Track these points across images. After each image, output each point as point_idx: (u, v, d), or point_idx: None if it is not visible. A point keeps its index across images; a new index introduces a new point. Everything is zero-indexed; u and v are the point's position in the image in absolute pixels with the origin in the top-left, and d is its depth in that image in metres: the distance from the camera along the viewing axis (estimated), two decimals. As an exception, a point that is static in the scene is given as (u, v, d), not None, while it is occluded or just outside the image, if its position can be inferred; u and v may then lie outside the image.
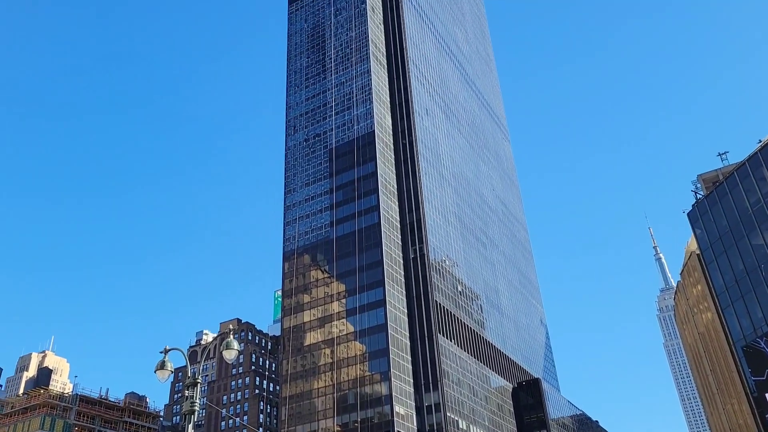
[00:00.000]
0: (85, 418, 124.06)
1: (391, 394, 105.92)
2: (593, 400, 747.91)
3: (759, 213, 65.92)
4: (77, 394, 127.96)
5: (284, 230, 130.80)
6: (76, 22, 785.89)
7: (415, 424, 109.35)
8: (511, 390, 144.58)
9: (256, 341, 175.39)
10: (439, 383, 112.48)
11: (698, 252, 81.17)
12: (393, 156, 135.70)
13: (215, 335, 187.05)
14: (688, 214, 78.41)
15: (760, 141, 70.55)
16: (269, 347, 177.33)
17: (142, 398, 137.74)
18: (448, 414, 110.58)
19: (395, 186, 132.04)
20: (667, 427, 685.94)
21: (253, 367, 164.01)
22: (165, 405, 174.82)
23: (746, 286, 67.14)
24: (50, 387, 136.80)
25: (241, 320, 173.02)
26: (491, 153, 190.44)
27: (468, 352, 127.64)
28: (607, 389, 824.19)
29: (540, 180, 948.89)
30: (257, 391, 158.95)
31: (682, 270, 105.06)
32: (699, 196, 79.64)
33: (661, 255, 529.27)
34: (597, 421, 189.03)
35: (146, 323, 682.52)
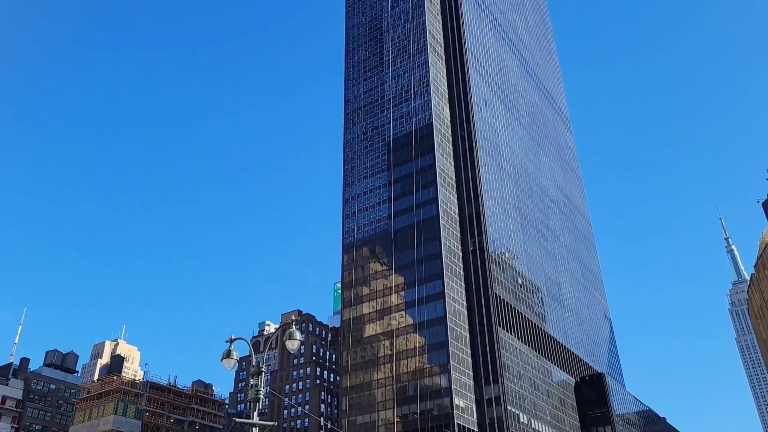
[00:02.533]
0: (156, 404, 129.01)
1: (450, 387, 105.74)
2: (661, 397, 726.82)
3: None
4: (148, 382, 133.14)
5: (343, 223, 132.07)
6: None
7: (475, 416, 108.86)
8: (573, 384, 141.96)
9: (317, 332, 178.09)
10: (499, 376, 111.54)
11: (773, 244, 77.56)
12: (451, 148, 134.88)
13: (277, 326, 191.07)
14: (762, 204, 75.03)
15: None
16: (329, 338, 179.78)
17: (208, 386, 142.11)
18: (508, 407, 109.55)
19: (454, 178, 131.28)
20: (740, 424, 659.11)
21: (313, 358, 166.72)
22: (230, 393, 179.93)
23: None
24: (122, 374, 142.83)
25: (301, 311, 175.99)
26: (552, 143, 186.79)
27: (529, 346, 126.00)
28: (675, 385, 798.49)
29: (604, 170, 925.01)
30: (318, 381, 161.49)
31: (757, 262, 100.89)
32: (774, 185, 75.97)
33: (733, 246, 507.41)
34: (664, 418, 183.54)
35: (210, 315, 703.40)
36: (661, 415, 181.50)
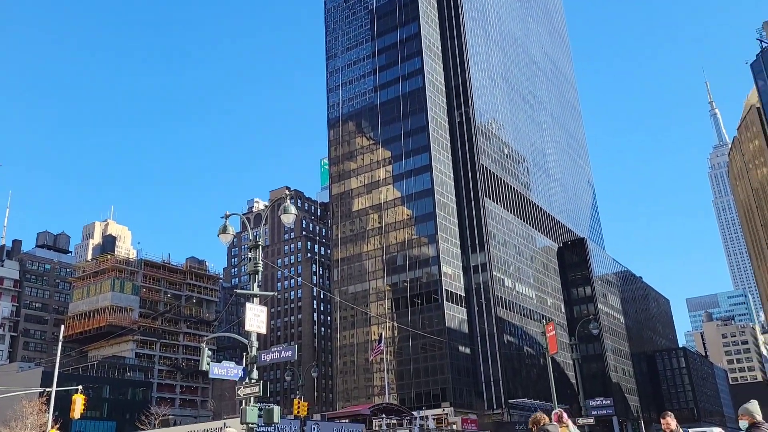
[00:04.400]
0: (152, 281, 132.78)
1: (438, 256, 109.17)
2: (638, 258, 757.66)
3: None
4: (142, 259, 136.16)
5: (328, 97, 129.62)
6: None
7: (462, 282, 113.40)
8: (556, 249, 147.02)
9: (306, 208, 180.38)
10: (485, 244, 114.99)
11: (759, 105, 77.72)
12: (437, 15, 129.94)
13: (265, 203, 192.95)
14: (751, 65, 74.24)
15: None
16: (318, 213, 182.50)
17: (201, 262, 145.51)
18: (494, 273, 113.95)
19: (440, 47, 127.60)
20: (712, 282, 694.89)
21: (304, 233, 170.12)
22: (224, 268, 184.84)
23: (809, 141, 64.66)
24: (116, 253, 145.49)
25: (290, 188, 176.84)
26: (540, 7, 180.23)
27: (514, 214, 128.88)
28: (652, 247, 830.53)
29: (591, 33, 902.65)
30: (309, 255, 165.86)
31: (740, 125, 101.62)
32: (765, 45, 74.80)
33: (716, 110, 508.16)
34: (641, 277, 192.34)
35: (198, 194, 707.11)
36: (637, 275, 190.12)
